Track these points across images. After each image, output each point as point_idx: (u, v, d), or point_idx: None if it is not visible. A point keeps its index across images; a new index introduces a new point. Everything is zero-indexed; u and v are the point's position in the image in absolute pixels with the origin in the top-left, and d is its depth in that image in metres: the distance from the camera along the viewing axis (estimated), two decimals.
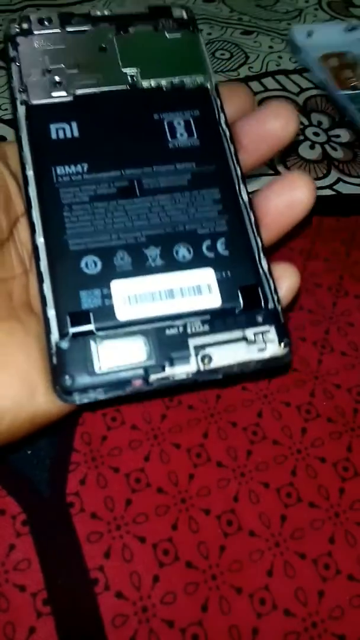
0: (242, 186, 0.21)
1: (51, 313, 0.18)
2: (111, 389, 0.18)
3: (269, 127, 0.22)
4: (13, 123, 0.21)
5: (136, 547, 0.20)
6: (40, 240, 0.19)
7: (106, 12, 0.23)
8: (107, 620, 0.19)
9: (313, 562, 0.20)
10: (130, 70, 0.22)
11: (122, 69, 0.22)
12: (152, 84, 0.22)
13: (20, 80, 0.21)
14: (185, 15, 0.24)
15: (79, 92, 0.21)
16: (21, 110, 0.21)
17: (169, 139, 0.21)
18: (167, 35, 0.23)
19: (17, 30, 0.22)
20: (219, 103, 0.22)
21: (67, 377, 0.18)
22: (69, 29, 0.22)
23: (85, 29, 0.23)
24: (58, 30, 0.22)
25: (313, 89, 0.39)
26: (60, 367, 0.18)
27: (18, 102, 0.21)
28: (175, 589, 0.19)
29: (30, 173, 0.20)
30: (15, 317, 0.19)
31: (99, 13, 0.23)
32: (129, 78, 0.22)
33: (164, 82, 0.22)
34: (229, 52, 0.41)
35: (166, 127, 0.21)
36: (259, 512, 0.21)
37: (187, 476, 0.22)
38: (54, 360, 0.18)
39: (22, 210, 0.21)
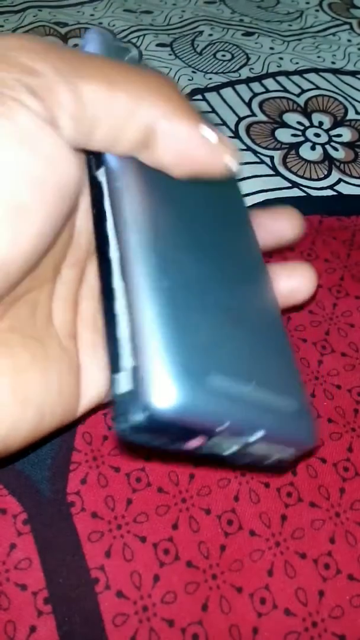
0: None
1: None
2: None
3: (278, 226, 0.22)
4: None
5: (137, 547, 0.20)
6: None
7: None
8: (107, 619, 0.19)
9: (313, 562, 0.20)
10: None
11: None
12: None
13: None
14: None
15: None
16: None
17: None
18: None
19: None
20: None
21: None
22: None
23: None
24: None
25: (314, 89, 0.39)
26: None
27: None
28: (176, 588, 0.19)
29: None
30: (36, 337, 0.18)
31: None
32: None
33: None
34: (230, 53, 0.42)
35: None
36: (259, 511, 0.21)
37: (188, 476, 0.22)
38: None
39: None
